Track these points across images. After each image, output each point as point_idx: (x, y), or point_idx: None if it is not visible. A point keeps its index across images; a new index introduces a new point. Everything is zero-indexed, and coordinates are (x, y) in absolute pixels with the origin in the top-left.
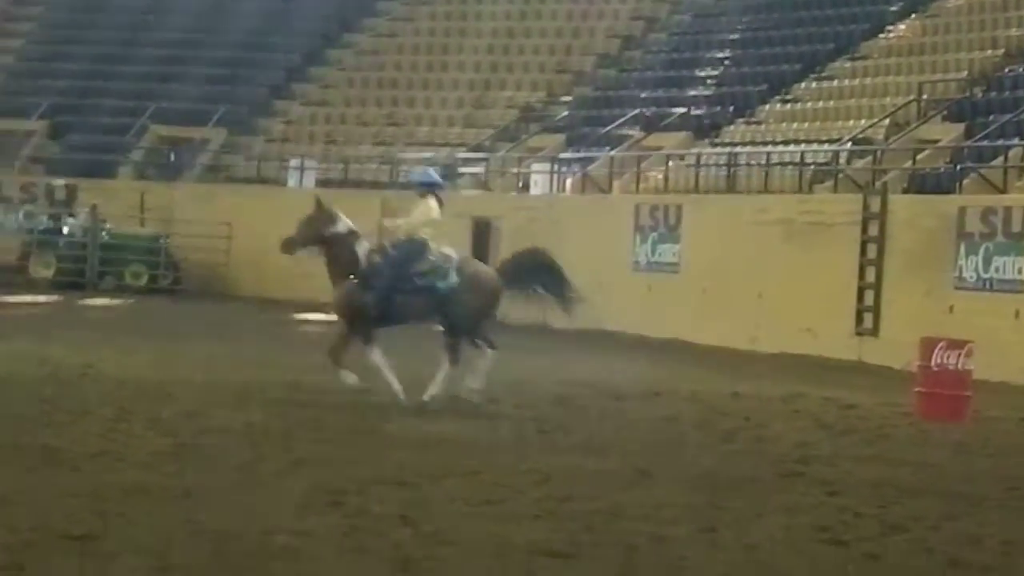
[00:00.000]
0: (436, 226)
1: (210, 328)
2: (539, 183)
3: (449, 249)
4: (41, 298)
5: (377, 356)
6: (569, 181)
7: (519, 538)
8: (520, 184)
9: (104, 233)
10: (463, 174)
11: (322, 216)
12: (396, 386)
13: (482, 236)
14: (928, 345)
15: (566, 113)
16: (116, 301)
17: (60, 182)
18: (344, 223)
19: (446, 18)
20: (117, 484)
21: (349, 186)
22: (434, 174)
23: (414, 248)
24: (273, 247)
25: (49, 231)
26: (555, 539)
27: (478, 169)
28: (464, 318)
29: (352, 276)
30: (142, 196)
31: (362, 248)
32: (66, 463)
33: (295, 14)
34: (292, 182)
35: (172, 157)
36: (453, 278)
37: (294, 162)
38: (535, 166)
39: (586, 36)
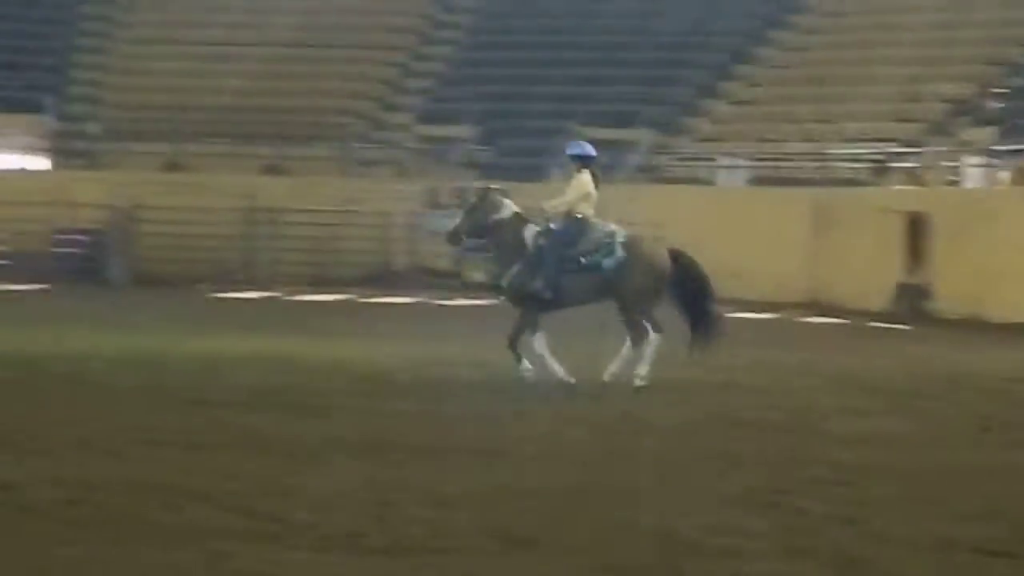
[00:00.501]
0: (586, 200)
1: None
2: (972, 176)
3: (614, 225)
4: (476, 301)
5: (540, 343)
6: (1004, 174)
7: (962, 537)
8: (953, 178)
9: None
10: (894, 168)
11: (485, 204)
12: (560, 373)
13: (916, 231)
14: None
15: (999, 105)
16: None
17: (493, 186)
18: (509, 208)
19: (875, 12)
20: (557, 484)
21: (780, 183)
22: (587, 146)
23: (575, 226)
24: (708, 245)
25: None
26: (999, 538)
27: (910, 164)
28: (631, 297)
29: (518, 262)
30: None
31: (529, 232)
32: (508, 463)
33: (720, 13)
34: (722, 181)
35: (603, 158)
36: (619, 255)
37: (723, 161)
38: (968, 159)
39: (1019, 26)
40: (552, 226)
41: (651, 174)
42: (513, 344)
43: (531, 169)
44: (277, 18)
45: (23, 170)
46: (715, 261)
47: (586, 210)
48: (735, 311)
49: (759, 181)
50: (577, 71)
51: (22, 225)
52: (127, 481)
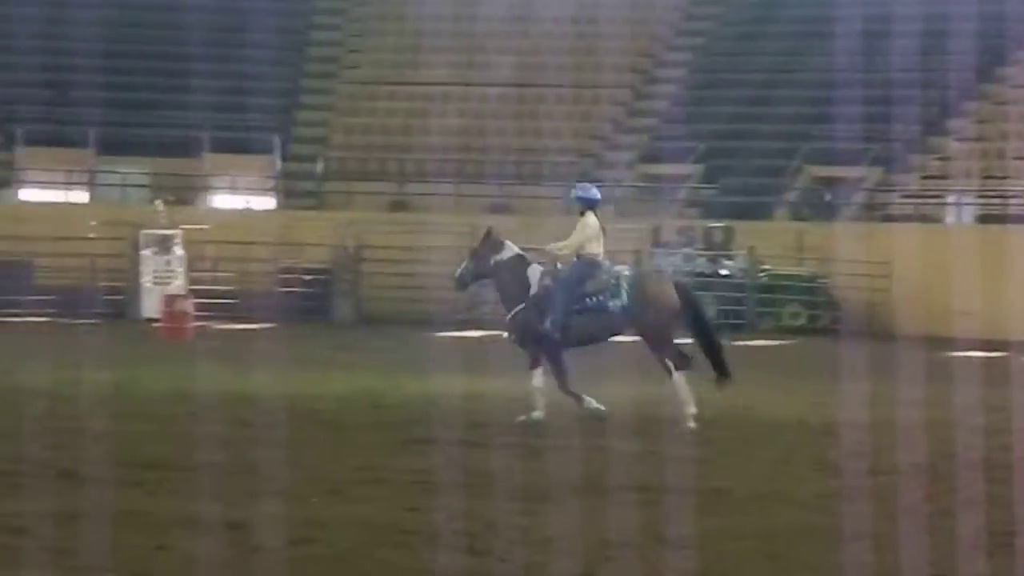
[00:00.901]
0: (597, 242)
1: (871, 368)
2: None
3: (622, 266)
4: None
5: (538, 379)
6: None
7: None
8: None
9: (762, 274)
10: None
11: (487, 246)
12: (538, 413)
13: None
14: None
15: None
16: (774, 342)
17: (717, 224)
18: (510, 250)
19: None
20: (784, 525)
21: (1008, 221)
22: (593, 189)
23: (583, 267)
24: (935, 284)
25: (708, 274)
26: None
27: None
28: (649, 337)
29: (523, 302)
30: (799, 236)
31: (533, 272)
32: (729, 503)
33: (946, 49)
34: (951, 219)
35: (828, 197)
36: (624, 296)
37: (952, 199)
38: None
39: None
40: (559, 267)
41: (877, 212)
42: (564, 388)
43: (754, 207)
44: (499, 57)
45: (249, 210)
46: (942, 299)
47: (594, 250)
48: (963, 350)
49: (986, 219)
50: (800, 108)
51: (248, 264)
52: (356, 521)
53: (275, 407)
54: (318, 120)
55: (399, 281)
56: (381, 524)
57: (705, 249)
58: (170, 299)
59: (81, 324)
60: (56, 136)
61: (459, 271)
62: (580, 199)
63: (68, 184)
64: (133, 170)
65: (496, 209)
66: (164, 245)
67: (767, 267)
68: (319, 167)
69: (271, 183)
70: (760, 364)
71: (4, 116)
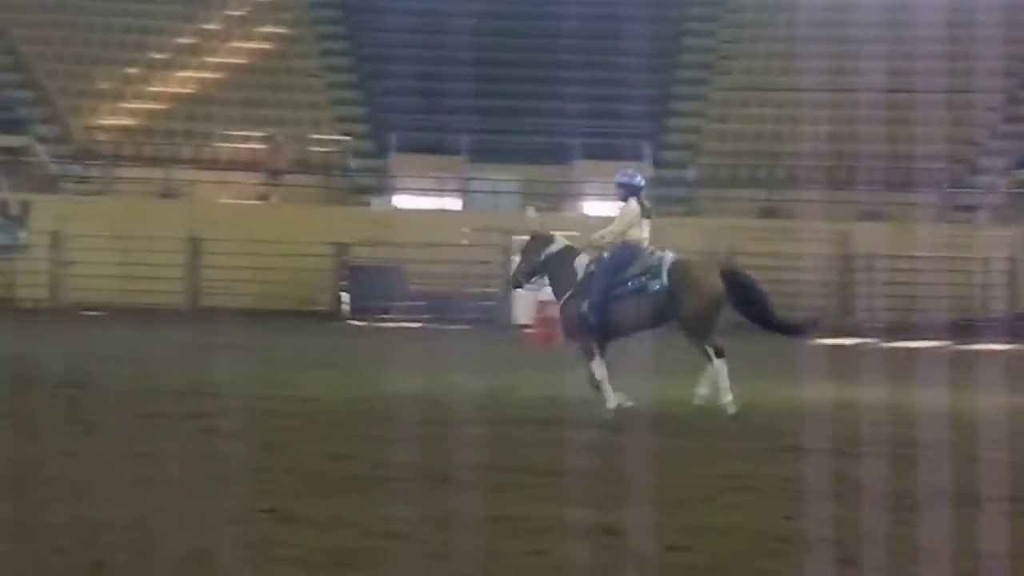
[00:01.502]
0: (640, 228)
1: None
2: None
3: (667, 251)
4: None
5: (600, 370)
6: None
7: None
8: None
9: None
10: None
11: (536, 242)
12: (612, 403)
13: None
14: None
15: None
16: None
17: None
18: (559, 242)
19: None
20: None
21: None
22: (636, 176)
23: (625, 253)
24: None
25: None
26: None
27: None
28: (687, 323)
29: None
30: None
31: (580, 261)
32: None
33: None
34: None
35: None
36: (665, 278)
37: None
38: None
39: None
40: (604, 255)
41: None
42: (593, 383)
43: None
44: (871, 63)
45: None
46: None
47: (638, 236)
48: None
49: None
50: None
51: None
52: (730, 528)
53: (643, 414)
54: (689, 127)
55: (769, 288)
56: (756, 532)
57: None
58: (542, 305)
59: (453, 329)
60: (429, 143)
61: (512, 270)
62: (621, 185)
63: (440, 191)
64: (504, 177)
65: (867, 216)
66: None
67: None
68: (690, 173)
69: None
70: None
71: (379, 124)
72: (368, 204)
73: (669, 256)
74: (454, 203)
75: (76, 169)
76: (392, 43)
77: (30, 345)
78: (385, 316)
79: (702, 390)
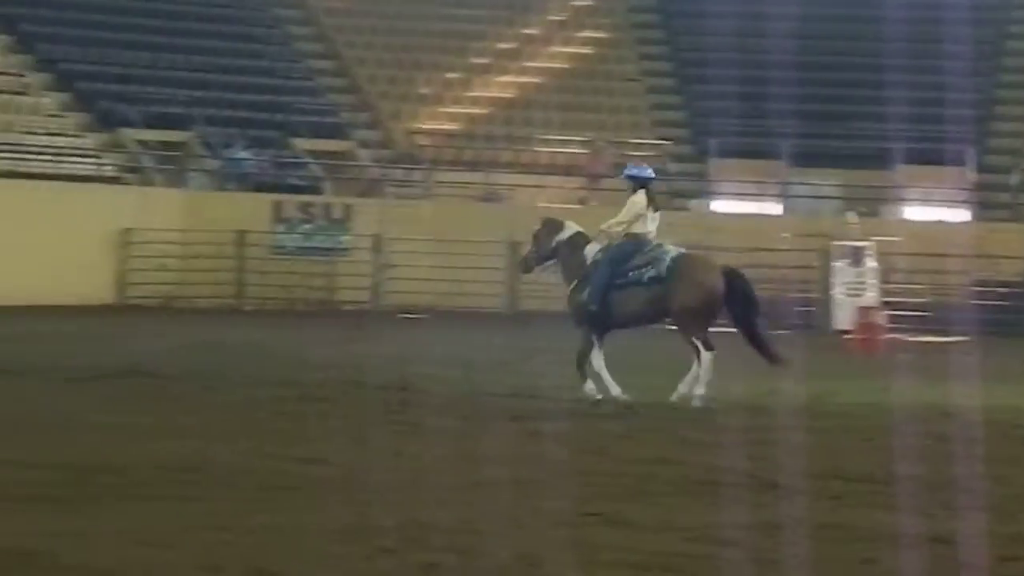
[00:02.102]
0: (647, 220)
1: None
2: None
3: (672, 245)
4: None
5: (598, 359)
6: None
7: None
8: None
9: None
10: None
11: (547, 228)
12: (615, 390)
13: None
14: None
15: None
16: None
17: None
18: (570, 229)
19: None
20: None
21: None
22: (646, 169)
23: (631, 245)
24: None
25: None
26: None
27: None
28: (679, 315)
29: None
30: None
31: (590, 250)
32: None
33: None
34: None
35: None
36: (665, 270)
37: None
38: None
39: None
40: (611, 244)
41: None
42: (580, 365)
43: None
44: None
45: (943, 222)
46: None
47: (643, 229)
48: None
49: None
50: None
51: (941, 277)
52: None
53: (971, 421)
54: (1014, 131)
55: None
56: None
57: None
58: (863, 311)
59: (773, 334)
60: (748, 148)
61: (523, 255)
62: (630, 177)
63: (760, 195)
64: (825, 182)
65: None
66: (856, 257)
67: None
68: (1014, 179)
69: (965, 195)
70: None
71: (698, 128)
72: (687, 208)
73: (673, 250)
74: (774, 208)
75: (397, 173)
76: (712, 47)
77: (353, 348)
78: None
79: (683, 388)
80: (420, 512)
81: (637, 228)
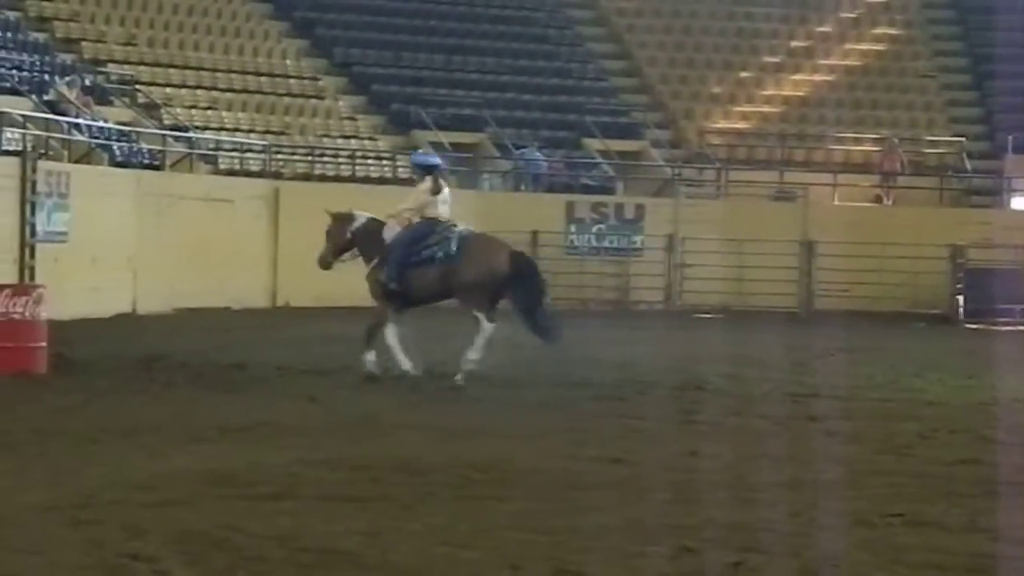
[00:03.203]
0: (436, 204)
1: None
2: None
3: (464, 225)
4: None
5: (392, 336)
6: None
7: None
8: None
9: None
10: None
11: (339, 222)
12: (406, 364)
13: None
14: None
15: None
16: None
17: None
18: (362, 217)
19: None
20: None
21: None
22: (432, 156)
23: (424, 226)
24: None
25: None
26: None
27: None
28: (461, 290)
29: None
30: None
31: (389, 232)
32: None
33: None
34: None
35: None
36: (453, 248)
37: None
38: None
39: None
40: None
41: None
42: (368, 335)
43: None
44: None
45: None
46: None
47: (435, 212)
48: None
49: None
50: None
51: None
52: None
53: None
54: None
55: None
56: None
57: None
58: None
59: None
60: None
61: (318, 254)
62: (417, 165)
63: None
64: None
65: None
66: None
67: None
68: None
69: None
70: None
71: (994, 125)
72: (984, 206)
73: (463, 230)
74: None
75: (690, 172)
76: (1008, 42)
77: (647, 348)
78: (1002, 320)
79: (471, 355)
80: (720, 512)
81: (429, 212)
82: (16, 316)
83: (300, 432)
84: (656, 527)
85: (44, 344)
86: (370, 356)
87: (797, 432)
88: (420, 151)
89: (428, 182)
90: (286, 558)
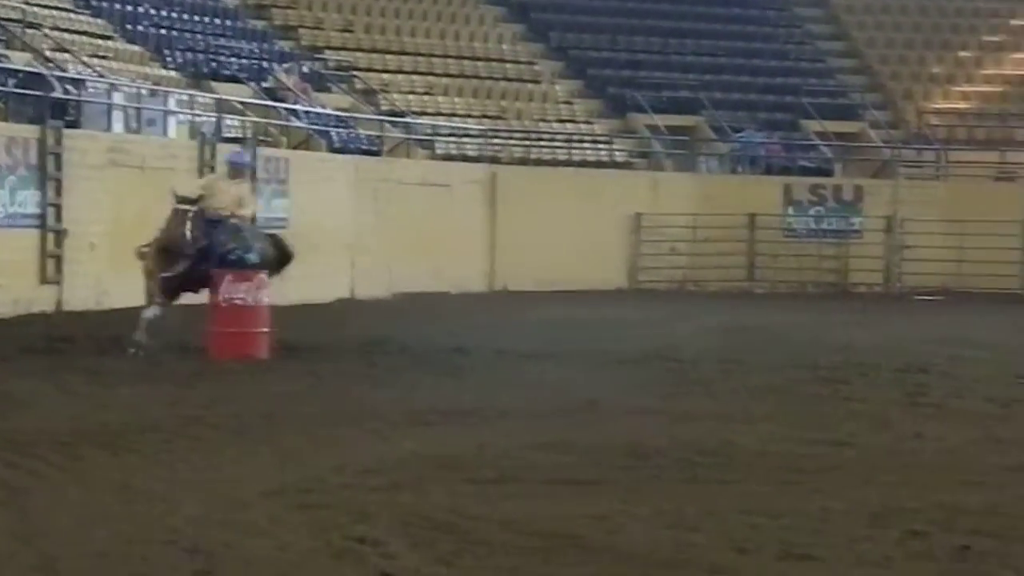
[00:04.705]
0: (220, 199)
1: None
2: None
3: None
4: None
5: (152, 312)
6: None
7: None
8: None
9: None
10: None
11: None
12: (142, 338)
13: None
14: None
15: None
16: None
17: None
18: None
19: None
20: None
21: None
22: (244, 155)
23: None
24: None
25: None
26: None
27: None
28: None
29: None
30: None
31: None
32: None
33: None
34: None
35: None
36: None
37: None
38: None
39: None
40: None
41: None
42: (144, 321)
43: None
44: None
45: None
46: None
47: (217, 205)
48: None
49: None
50: None
51: None
52: None
53: None
54: None
55: None
56: None
57: None
58: None
59: None
60: None
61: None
62: (232, 163)
63: None
64: None
65: None
66: None
67: None
68: None
69: None
70: None
71: None
72: None
73: (233, 223)
74: None
75: (909, 154)
76: None
77: (868, 331)
78: None
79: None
80: (948, 495)
81: (212, 204)
82: (238, 302)
83: (524, 416)
84: (882, 510)
85: (266, 329)
86: (143, 335)
87: (1023, 415)
88: (234, 151)
89: (228, 181)
90: (511, 542)
